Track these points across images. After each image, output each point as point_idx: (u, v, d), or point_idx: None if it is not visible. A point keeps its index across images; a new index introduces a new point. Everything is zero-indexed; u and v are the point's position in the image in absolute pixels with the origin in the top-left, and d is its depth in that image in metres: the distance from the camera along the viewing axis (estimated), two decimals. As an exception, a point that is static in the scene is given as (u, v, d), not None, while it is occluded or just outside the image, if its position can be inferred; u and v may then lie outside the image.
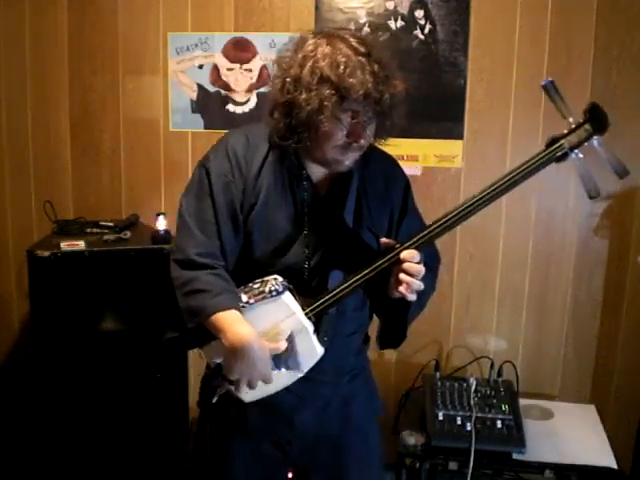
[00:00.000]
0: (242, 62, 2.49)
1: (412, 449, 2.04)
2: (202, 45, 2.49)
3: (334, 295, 1.30)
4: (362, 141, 1.29)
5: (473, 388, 2.15)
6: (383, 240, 1.30)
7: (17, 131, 2.61)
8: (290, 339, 1.29)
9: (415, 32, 2.37)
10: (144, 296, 2.21)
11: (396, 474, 2.09)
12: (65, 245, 2.15)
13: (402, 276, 1.25)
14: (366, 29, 2.39)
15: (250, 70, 2.49)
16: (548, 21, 2.31)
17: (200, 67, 2.51)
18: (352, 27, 2.38)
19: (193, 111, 2.54)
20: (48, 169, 2.63)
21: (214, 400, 1.35)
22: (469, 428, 2.01)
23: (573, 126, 1.19)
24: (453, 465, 2.04)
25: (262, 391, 1.32)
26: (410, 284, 1.25)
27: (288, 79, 1.28)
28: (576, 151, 1.20)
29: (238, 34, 2.47)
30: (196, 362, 2.62)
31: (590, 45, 2.29)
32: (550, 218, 2.43)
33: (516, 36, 2.31)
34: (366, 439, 1.56)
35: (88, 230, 2.38)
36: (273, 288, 1.29)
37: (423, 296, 1.38)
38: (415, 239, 1.27)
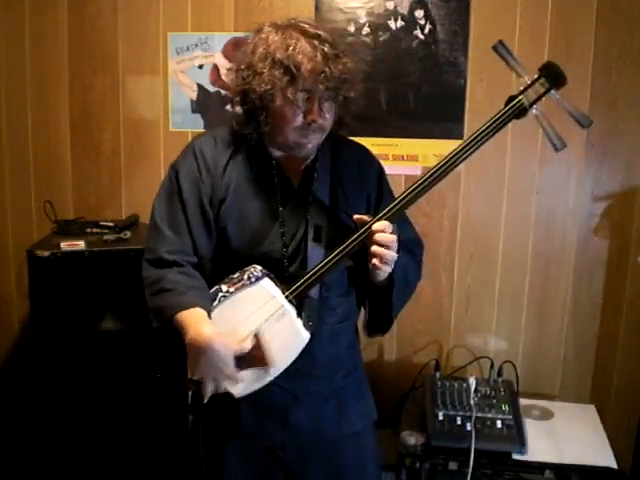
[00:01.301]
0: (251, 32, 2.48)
1: (412, 449, 2.04)
2: (202, 45, 2.49)
3: (312, 275, 1.30)
4: (320, 120, 1.32)
5: (473, 388, 2.14)
6: (356, 216, 1.31)
7: (17, 131, 2.61)
8: (258, 336, 1.28)
9: (415, 32, 2.37)
10: (144, 296, 2.20)
11: (396, 474, 2.09)
12: (65, 245, 2.15)
13: (374, 248, 1.26)
14: (366, 29, 2.39)
15: (250, 70, 2.49)
16: (548, 21, 2.31)
17: (200, 67, 2.51)
18: (352, 27, 2.39)
19: (193, 111, 2.54)
20: (48, 169, 2.63)
21: (205, 400, 1.33)
22: (469, 428, 2.01)
23: (529, 82, 1.22)
24: (453, 465, 2.04)
25: (251, 386, 1.31)
26: (383, 255, 1.26)
27: (242, 67, 1.33)
28: (535, 106, 1.23)
29: (238, 34, 2.46)
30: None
31: (590, 45, 2.29)
32: (550, 218, 2.43)
33: (516, 36, 2.31)
34: (362, 444, 1.55)
35: (88, 230, 2.38)
36: (252, 275, 1.31)
37: (407, 284, 1.42)
38: (386, 210, 1.29)
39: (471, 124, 2.40)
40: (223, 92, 2.52)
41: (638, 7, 2.25)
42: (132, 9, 2.50)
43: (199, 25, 2.48)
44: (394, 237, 1.27)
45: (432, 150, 2.42)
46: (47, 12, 2.52)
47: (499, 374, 2.24)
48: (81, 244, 2.17)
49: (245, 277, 1.31)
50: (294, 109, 1.30)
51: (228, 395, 1.32)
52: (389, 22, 2.38)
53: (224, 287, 1.32)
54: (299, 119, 1.31)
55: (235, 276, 1.32)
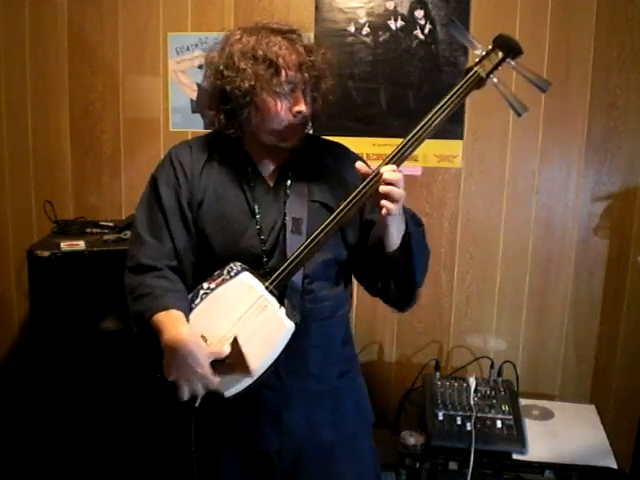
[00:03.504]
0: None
1: (412, 449, 2.04)
2: (202, 45, 2.49)
3: (291, 261, 1.30)
4: (305, 110, 1.34)
5: (473, 388, 2.15)
6: (358, 164, 1.30)
7: (17, 131, 2.61)
8: (237, 341, 1.27)
9: (415, 32, 2.37)
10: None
11: (396, 474, 2.09)
12: (65, 245, 2.15)
13: (382, 187, 1.24)
14: (366, 29, 2.39)
15: (250, 70, 2.49)
16: (548, 21, 2.31)
17: (200, 67, 2.51)
18: (352, 27, 2.39)
19: (193, 111, 2.54)
20: (48, 169, 2.63)
21: (197, 404, 1.33)
22: (469, 428, 2.01)
23: (483, 53, 1.26)
24: (453, 465, 2.04)
25: (239, 385, 1.30)
26: (392, 193, 1.23)
27: (220, 68, 1.34)
28: (491, 76, 1.26)
29: (238, 34, 2.46)
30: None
31: (590, 45, 2.29)
32: (550, 218, 2.43)
33: (516, 36, 2.30)
34: (359, 448, 1.53)
35: (88, 230, 2.38)
36: (232, 269, 1.32)
37: (424, 246, 1.39)
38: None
39: (471, 124, 2.41)
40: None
41: (638, 7, 2.25)
42: (132, 9, 2.50)
43: (199, 25, 2.48)
44: (400, 175, 1.25)
45: (432, 150, 2.42)
46: (47, 12, 2.52)
47: (499, 374, 2.24)
48: (81, 244, 2.17)
49: (225, 272, 1.32)
50: (280, 101, 1.32)
51: (220, 397, 1.31)
52: (389, 22, 2.38)
53: (205, 284, 1.33)
54: (284, 111, 1.33)
55: (216, 273, 1.33)
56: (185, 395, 1.30)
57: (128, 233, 2.31)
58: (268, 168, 1.44)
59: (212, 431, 1.45)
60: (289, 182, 1.42)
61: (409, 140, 1.27)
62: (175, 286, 1.36)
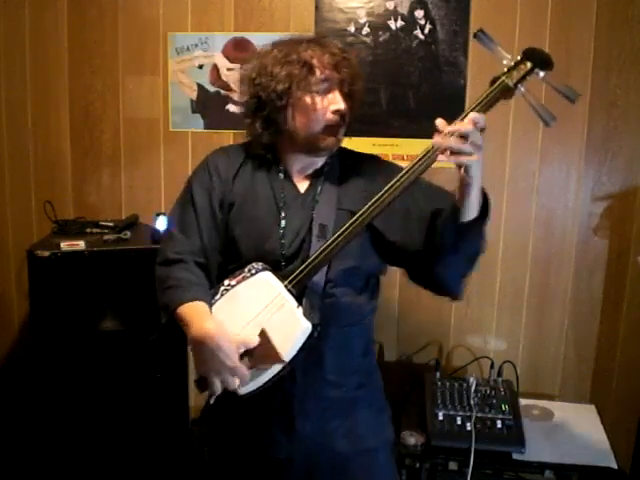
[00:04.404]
0: (242, 62, 2.47)
1: (412, 449, 2.04)
2: (202, 45, 2.49)
3: (313, 259, 1.30)
4: (343, 108, 1.34)
5: (473, 388, 2.15)
6: (439, 120, 1.25)
7: (17, 131, 2.61)
8: (265, 332, 1.28)
9: (415, 32, 2.37)
10: (144, 296, 2.20)
11: (396, 474, 2.09)
12: (65, 245, 2.15)
13: (459, 127, 1.20)
14: (366, 29, 2.39)
15: (250, 70, 2.49)
16: (548, 21, 2.31)
17: (200, 67, 2.51)
18: (352, 27, 2.39)
19: (193, 111, 2.54)
20: (48, 169, 2.63)
21: (211, 401, 1.33)
22: (469, 428, 2.01)
23: (512, 64, 1.27)
24: (453, 465, 2.04)
25: (256, 381, 1.30)
26: (471, 135, 1.18)
27: (253, 76, 1.36)
28: (519, 86, 1.26)
29: (238, 34, 2.47)
30: (196, 362, 2.62)
31: (590, 45, 2.29)
32: (550, 218, 2.43)
33: (516, 36, 2.31)
34: (376, 463, 1.49)
35: (88, 230, 2.38)
36: (253, 268, 1.33)
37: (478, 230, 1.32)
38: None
39: (471, 124, 2.41)
40: (223, 92, 2.52)
41: (638, 7, 2.25)
42: (132, 9, 2.50)
43: (199, 25, 2.49)
44: (482, 118, 1.20)
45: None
46: (47, 12, 2.52)
47: (499, 374, 2.24)
48: (81, 244, 2.17)
49: (246, 270, 1.33)
50: (316, 100, 1.33)
51: (234, 395, 1.31)
52: (389, 22, 2.38)
53: (226, 281, 1.35)
54: (322, 110, 1.34)
55: (237, 272, 1.35)
56: (217, 389, 1.29)
57: (128, 233, 2.32)
58: (300, 175, 1.45)
59: (224, 437, 1.46)
60: (319, 189, 1.42)
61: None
62: (200, 280, 1.38)
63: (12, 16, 2.54)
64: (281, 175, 1.44)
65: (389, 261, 1.47)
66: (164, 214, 2.30)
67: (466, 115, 1.22)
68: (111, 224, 2.40)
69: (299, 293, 1.31)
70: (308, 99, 1.33)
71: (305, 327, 1.28)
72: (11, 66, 2.57)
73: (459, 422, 2.04)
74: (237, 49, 2.48)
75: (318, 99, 1.33)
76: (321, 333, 1.32)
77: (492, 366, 2.27)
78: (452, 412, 2.08)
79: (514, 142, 2.40)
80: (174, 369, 2.29)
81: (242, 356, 1.28)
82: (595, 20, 2.28)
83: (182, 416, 2.38)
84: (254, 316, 1.29)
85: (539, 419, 2.21)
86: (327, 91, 1.33)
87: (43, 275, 2.12)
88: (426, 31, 2.37)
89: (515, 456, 1.99)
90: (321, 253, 1.29)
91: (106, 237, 2.27)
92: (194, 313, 1.30)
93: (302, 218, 1.40)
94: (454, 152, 1.19)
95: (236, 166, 1.46)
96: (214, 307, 1.33)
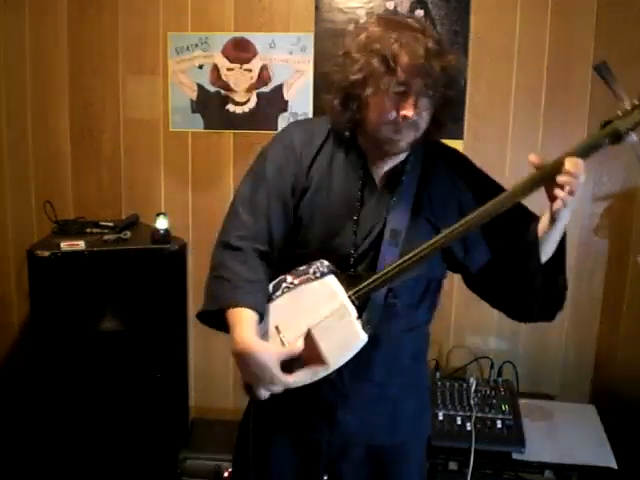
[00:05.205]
0: (242, 62, 2.49)
1: (412, 449, 2.04)
2: (202, 45, 2.49)
3: (380, 276, 1.27)
4: (414, 117, 1.24)
5: (473, 388, 2.15)
6: (532, 157, 1.26)
7: (17, 131, 2.61)
8: (311, 334, 1.26)
9: (415, 32, 2.37)
10: (144, 296, 2.21)
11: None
12: (65, 245, 2.15)
13: (561, 177, 1.21)
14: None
15: (250, 70, 2.49)
16: (548, 21, 2.31)
17: (200, 67, 2.51)
18: (352, 27, 2.38)
19: (193, 111, 2.54)
20: (48, 169, 2.63)
21: (262, 399, 1.31)
22: (469, 428, 2.01)
23: (629, 108, 1.18)
24: (453, 465, 2.04)
25: (303, 381, 1.28)
26: (572, 184, 1.20)
27: (339, 55, 1.29)
28: (632, 133, 1.18)
29: (238, 34, 2.46)
30: (196, 362, 2.62)
31: (590, 45, 2.29)
32: (550, 218, 2.43)
33: (516, 36, 2.31)
34: (409, 456, 1.50)
35: (88, 230, 2.38)
36: (318, 270, 1.29)
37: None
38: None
39: (471, 124, 2.41)
40: (223, 92, 2.52)
41: (638, 7, 2.25)
42: (132, 9, 2.50)
43: (199, 25, 2.48)
44: (582, 165, 1.20)
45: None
46: (47, 12, 2.52)
47: (499, 374, 2.24)
48: (81, 244, 2.17)
49: (311, 271, 1.29)
50: (386, 101, 1.24)
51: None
52: (389, 22, 2.37)
53: (289, 278, 1.31)
54: (392, 113, 1.24)
55: (302, 269, 1.31)
56: (263, 395, 1.27)
57: (128, 233, 2.32)
58: (380, 169, 1.37)
59: (267, 417, 1.45)
60: (397, 188, 1.36)
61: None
62: (256, 276, 1.32)
63: (12, 16, 2.53)
64: (360, 167, 1.36)
65: (452, 268, 1.46)
66: (164, 214, 2.30)
67: (574, 154, 1.23)
68: (111, 224, 2.40)
69: (361, 303, 1.28)
70: (379, 97, 1.24)
71: (363, 339, 1.26)
72: (11, 66, 2.57)
73: (459, 422, 2.04)
74: (237, 49, 2.48)
75: (389, 100, 1.24)
76: (373, 339, 1.29)
77: (492, 366, 2.27)
78: (452, 412, 2.08)
79: (514, 142, 2.40)
80: (174, 369, 2.30)
81: (289, 361, 1.26)
82: (595, 20, 2.28)
83: (182, 416, 2.39)
84: (313, 321, 1.26)
85: (539, 419, 2.21)
86: (402, 94, 1.23)
87: (43, 275, 2.12)
88: (426, 31, 2.37)
89: (515, 456, 1.99)
90: (393, 269, 1.26)
91: (106, 237, 2.27)
92: (239, 321, 1.26)
93: (376, 217, 1.35)
94: (563, 188, 1.21)
95: (316, 146, 1.37)
96: (274, 302, 1.31)
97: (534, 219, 1.32)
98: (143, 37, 2.51)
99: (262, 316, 1.30)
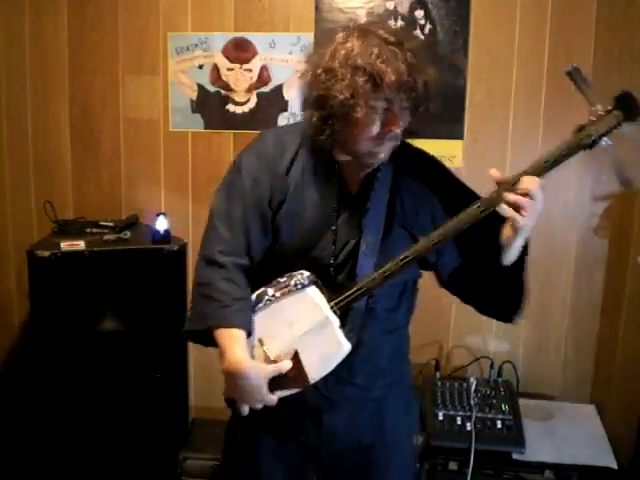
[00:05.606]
0: (242, 62, 2.49)
1: (412, 449, 2.04)
2: (202, 45, 2.49)
3: (360, 288, 1.28)
4: (397, 131, 1.26)
5: (473, 388, 2.15)
6: (493, 172, 1.25)
7: (17, 131, 2.61)
8: (298, 355, 1.28)
9: (415, 32, 2.37)
10: (144, 296, 2.21)
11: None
12: (65, 245, 2.15)
13: (514, 197, 1.21)
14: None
15: (250, 70, 2.49)
16: (548, 21, 2.31)
17: (200, 67, 2.51)
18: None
19: (193, 111, 2.54)
20: (48, 169, 2.63)
21: (244, 414, 1.33)
22: (469, 428, 2.01)
23: (601, 113, 1.18)
24: (453, 465, 2.04)
25: (289, 391, 1.31)
26: (527, 206, 1.21)
27: (319, 71, 1.27)
28: (605, 138, 1.19)
29: (238, 34, 2.46)
30: (196, 362, 2.62)
31: (590, 45, 2.29)
32: (550, 218, 2.43)
33: (516, 36, 2.31)
34: (399, 455, 1.52)
35: (88, 230, 2.38)
36: (299, 282, 1.30)
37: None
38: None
39: (471, 124, 2.41)
40: (223, 92, 2.52)
41: (638, 7, 2.25)
42: (132, 9, 2.50)
43: (199, 25, 2.48)
44: (538, 184, 1.20)
45: (432, 150, 2.39)
46: (47, 12, 2.52)
47: (499, 374, 2.24)
48: (81, 244, 2.17)
49: (292, 283, 1.30)
50: (373, 118, 1.25)
51: None
52: (389, 22, 2.37)
53: (270, 291, 1.32)
54: (376, 128, 1.26)
55: (282, 280, 1.32)
56: (244, 411, 1.31)
57: (128, 233, 2.32)
58: (353, 177, 1.38)
59: (254, 421, 1.44)
60: (372, 195, 1.36)
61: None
62: (242, 293, 1.34)
63: (12, 16, 2.53)
64: (335, 176, 1.37)
65: (424, 268, 1.48)
66: (164, 214, 2.30)
67: (543, 167, 1.24)
68: (111, 224, 2.40)
69: (343, 313, 1.30)
70: (364, 116, 1.24)
71: (346, 349, 1.28)
72: (11, 66, 2.57)
73: (459, 422, 2.04)
74: (237, 49, 2.48)
75: (374, 116, 1.24)
76: (355, 344, 1.31)
77: (492, 366, 2.27)
78: (452, 412, 2.08)
79: (514, 142, 2.40)
80: (174, 369, 2.30)
81: (275, 378, 1.28)
82: (595, 20, 2.28)
83: (182, 416, 2.39)
84: (297, 334, 1.28)
85: (539, 419, 2.21)
86: (385, 110, 1.25)
87: (43, 275, 2.12)
88: (426, 31, 2.37)
89: (515, 456, 1.99)
90: (374, 280, 1.27)
91: (106, 237, 2.27)
92: (230, 341, 1.28)
93: (351, 225, 1.36)
94: (516, 207, 1.20)
95: (288, 157, 1.38)
96: (256, 316, 1.32)
97: (501, 222, 1.32)
98: (143, 37, 2.51)
99: (250, 333, 1.31)
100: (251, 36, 2.46)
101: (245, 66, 2.49)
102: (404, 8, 2.37)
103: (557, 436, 2.10)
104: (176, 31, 2.49)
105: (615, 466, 1.96)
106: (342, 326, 1.29)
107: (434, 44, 2.37)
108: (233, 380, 1.27)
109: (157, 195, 2.60)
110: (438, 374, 2.25)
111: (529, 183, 1.20)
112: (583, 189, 2.39)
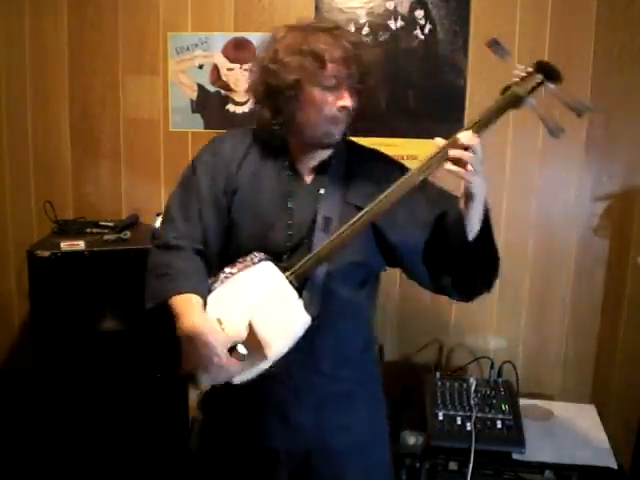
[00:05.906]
0: (242, 62, 2.49)
1: (412, 449, 2.04)
2: (202, 45, 2.49)
3: (312, 256, 1.31)
4: (349, 104, 1.33)
5: (473, 388, 2.15)
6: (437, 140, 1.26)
7: (17, 131, 2.61)
8: (252, 324, 1.28)
9: (415, 32, 2.37)
10: (144, 296, 2.20)
11: (396, 474, 2.09)
12: (65, 245, 2.15)
13: (455, 152, 1.21)
14: (366, 29, 2.39)
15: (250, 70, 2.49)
16: (548, 21, 2.31)
17: (200, 67, 2.51)
18: (352, 27, 2.38)
19: (193, 111, 2.54)
20: (48, 169, 2.63)
21: (202, 390, 1.34)
22: (469, 428, 2.01)
23: (524, 74, 1.24)
24: (453, 465, 2.04)
25: (251, 371, 1.30)
26: (463, 156, 1.20)
27: (265, 63, 1.34)
28: (529, 96, 1.24)
29: (238, 34, 2.47)
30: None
31: (590, 45, 2.29)
32: (550, 218, 2.43)
33: (516, 36, 2.31)
34: (370, 460, 1.50)
35: (88, 230, 2.38)
36: (255, 257, 1.34)
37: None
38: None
39: (471, 124, 2.40)
40: (223, 92, 2.52)
41: (638, 7, 2.25)
42: (132, 9, 2.50)
43: (199, 25, 2.48)
44: (477, 140, 1.20)
45: (432, 150, 2.41)
46: (47, 12, 2.52)
47: (499, 374, 2.24)
48: (81, 244, 2.17)
49: (248, 259, 1.34)
50: (325, 95, 1.32)
51: (228, 384, 1.31)
52: (389, 22, 2.38)
53: (227, 269, 1.35)
54: (330, 106, 1.32)
55: (238, 260, 1.35)
56: (204, 385, 1.31)
57: (128, 233, 2.32)
58: (306, 166, 1.44)
59: (218, 424, 1.46)
60: (325, 181, 1.42)
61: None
62: (196, 268, 1.37)
63: (12, 16, 2.53)
64: (287, 164, 1.43)
65: (388, 261, 1.47)
66: (164, 214, 2.30)
67: (476, 124, 1.23)
68: (111, 224, 2.40)
69: (300, 285, 1.32)
70: (317, 93, 1.32)
71: (304, 320, 1.29)
72: (11, 66, 2.57)
73: (459, 422, 2.04)
74: (237, 49, 2.48)
75: (326, 94, 1.32)
76: (317, 325, 1.32)
77: (492, 366, 2.27)
78: (452, 412, 2.08)
79: (514, 142, 2.39)
80: (174, 369, 2.29)
81: (234, 348, 1.28)
82: (595, 20, 2.28)
83: (182, 416, 2.38)
84: (253, 305, 1.29)
85: (539, 419, 2.21)
86: (336, 86, 1.32)
87: (43, 275, 2.12)
88: (426, 31, 2.37)
89: (515, 456, 1.99)
90: (325, 247, 1.30)
91: (106, 237, 2.27)
92: (186, 306, 1.30)
93: (306, 210, 1.40)
94: (457, 161, 1.21)
95: (242, 151, 1.44)
96: (213, 294, 1.34)
97: (456, 200, 1.34)
98: (143, 37, 2.51)
99: (205, 302, 1.32)
100: (251, 36, 2.46)
101: (245, 66, 2.49)
102: (404, 8, 2.37)
103: (557, 436, 2.10)
104: (176, 31, 2.49)
105: (615, 466, 1.95)
106: (300, 297, 1.30)
107: (434, 44, 2.37)
108: (191, 345, 1.26)
109: (157, 195, 2.60)
110: (438, 374, 2.25)
111: (467, 138, 1.21)
112: (583, 189, 2.39)
